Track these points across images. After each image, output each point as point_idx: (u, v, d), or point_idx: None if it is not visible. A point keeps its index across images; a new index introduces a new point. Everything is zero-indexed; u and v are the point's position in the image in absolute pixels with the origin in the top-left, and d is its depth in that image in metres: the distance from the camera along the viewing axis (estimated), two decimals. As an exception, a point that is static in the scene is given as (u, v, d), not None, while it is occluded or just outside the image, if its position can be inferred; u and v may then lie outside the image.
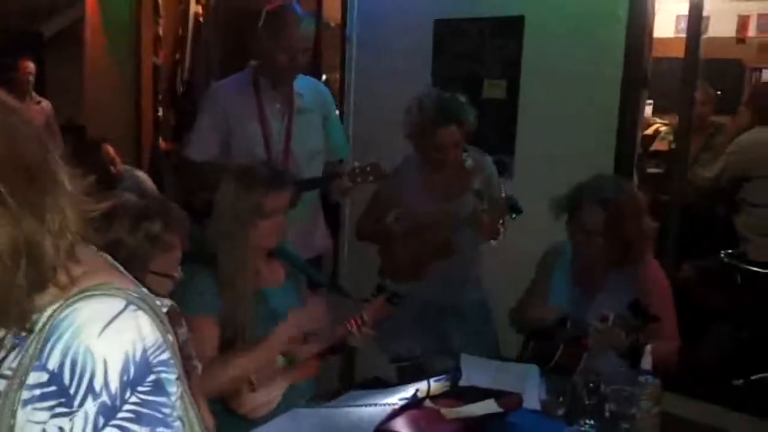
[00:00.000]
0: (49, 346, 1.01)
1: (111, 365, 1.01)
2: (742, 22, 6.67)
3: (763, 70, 6.64)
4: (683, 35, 4.01)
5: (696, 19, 3.92)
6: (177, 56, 7.10)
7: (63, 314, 1.02)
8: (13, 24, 6.76)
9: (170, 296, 2.25)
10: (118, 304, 1.04)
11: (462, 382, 2.59)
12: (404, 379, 2.73)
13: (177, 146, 6.29)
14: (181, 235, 2.16)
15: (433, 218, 3.30)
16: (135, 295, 1.07)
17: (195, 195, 3.12)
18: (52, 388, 1.00)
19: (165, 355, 1.07)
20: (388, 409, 2.22)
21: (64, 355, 1.00)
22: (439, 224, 3.28)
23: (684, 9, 4.08)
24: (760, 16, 6.64)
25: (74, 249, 1.06)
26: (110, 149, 5.52)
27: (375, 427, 2.15)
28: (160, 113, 7.11)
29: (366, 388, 2.61)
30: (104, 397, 1.00)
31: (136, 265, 2.02)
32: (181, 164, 3.54)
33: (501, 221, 3.11)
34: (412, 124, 3.33)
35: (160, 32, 6.93)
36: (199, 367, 2.35)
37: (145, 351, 1.04)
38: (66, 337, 1.01)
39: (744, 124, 4.75)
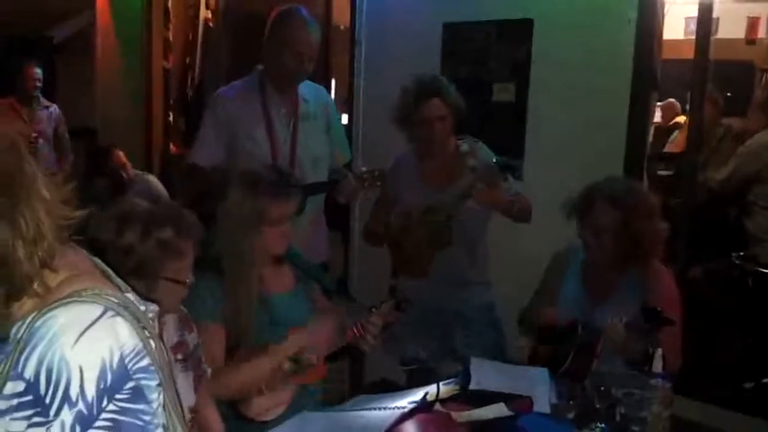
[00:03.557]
0: (25, 355, 1.00)
1: (87, 373, 0.99)
2: (752, 24, 6.65)
3: (774, 71, 6.62)
4: (693, 37, 4.00)
5: (705, 21, 3.91)
6: (187, 61, 7.13)
7: (39, 322, 1.01)
8: (23, 29, 6.79)
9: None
10: (95, 310, 1.02)
11: (472, 386, 2.58)
12: (413, 383, 2.73)
13: (186, 150, 6.31)
14: (193, 242, 2.15)
15: (431, 208, 3.31)
16: (114, 300, 1.05)
17: (202, 200, 3.13)
18: (29, 397, 1.00)
19: (145, 362, 1.05)
20: (398, 413, 2.21)
21: (40, 364, 0.99)
22: (437, 212, 3.28)
23: (693, 11, 4.08)
24: (770, 17, 6.63)
25: (52, 257, 1.05)
26: (121, 154, 5.57)
27: (384, 431, 2.15)
28: (171, 118, 7.13)
29: (374, 390, 2.60)
30: (80, 406, 0.99)
31: (147, 271, 2.03)
32: (188, 169, 3.54)
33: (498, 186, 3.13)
34: (398, 109, 3.39)
35: (170, 37, 6.96)
36: (209, 371, 2.36)
37: (122, 358, 1.02)
38: (42, 345, 1.00)
39: (756, 125, 4.72)
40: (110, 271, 1.17)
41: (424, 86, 3.32)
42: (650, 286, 2.83)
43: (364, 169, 3.39)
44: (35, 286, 1.03)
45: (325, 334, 2.57)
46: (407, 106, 3.33)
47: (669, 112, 7.02)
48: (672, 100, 6.88)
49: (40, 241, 1.03)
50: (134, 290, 1.15)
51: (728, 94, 5.53)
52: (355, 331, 2.65)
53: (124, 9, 6.97)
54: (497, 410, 2.29)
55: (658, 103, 6.15)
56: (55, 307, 1.01)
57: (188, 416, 2.21)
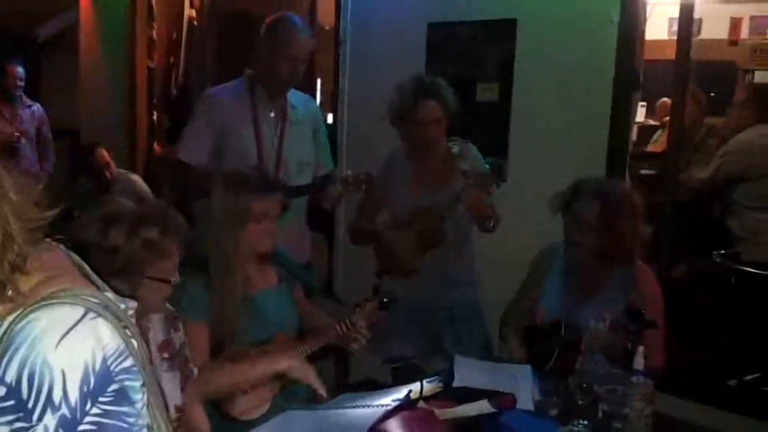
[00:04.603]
0: (6, 359, 0.98)
1: (70, 376, 0.98)
2: (735, 24, 6.70)
3: (756, 72, 6.67)
4: (676, 37, 4.02)
5: (687, 21, 3.93)
6: (171, 60, 7.10)
7: (19, 325, 0.99)
8: (7, 28, 6.75)
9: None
10: (75, 312, 1.01)
11: (455, 383, 2.59)
12: (399, 381, 2.74)
13: (171, 149, 6.28)
14: (178, 241, 2.15)
15: (423, 208, 3.33)
16: (95, 301, 1.03)
17: (186, 197, 3.12)
18: (11, 402, 0.98)
19: (127, 363, 1.04)
20: (382, 411, 2.22)
21: (21, 368, 0.98)
22: (430, 212, 3.29)
23: (677, 11, 4.09)
24: (752, 18, 6.68)
25: (24, 260, 1.03)
26: (105, 153, 5.55)
27: (368, 429, 2.15)
28: (155, 117, 7.10)
29: (360, 389, 2.61)
30: (64, 410, 0.97)
31: (133, 271, 2.02)
32: (173, 164, 3.54)
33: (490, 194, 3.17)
34: (394, 107, 3.40)
35: (155, 36, 6.92)
36: (195, 371, 2.36)
37: (105, 360, 1.01)
38: (23, 349, 0.98)
39: (740, 124, 4.74)
40: (88, 269, 1.15)
41: (423, 87, 3.34)
42: (633, 285, 2.85)
43: (348, 172, 3.42)
44: (7, 291, 1.02)
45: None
46: (405, 105, 3.35)
47: (663, 112, 7.08)
48: (666, 99, 6.93)
49: (10, 245, 1.01)
50: (117, 290, 1.14)
51: (711, 94, 5.57)
52: (338, 330, 2.66)
53: (107, 7, 6.93)
54: (480, 407, 2.30)
55: (642, 103, 6.19)
56: (36, 310, 1.00)
57: (175, 416, 2.21)
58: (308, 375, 2.36)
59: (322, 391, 2.34)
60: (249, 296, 2.60)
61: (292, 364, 2.39)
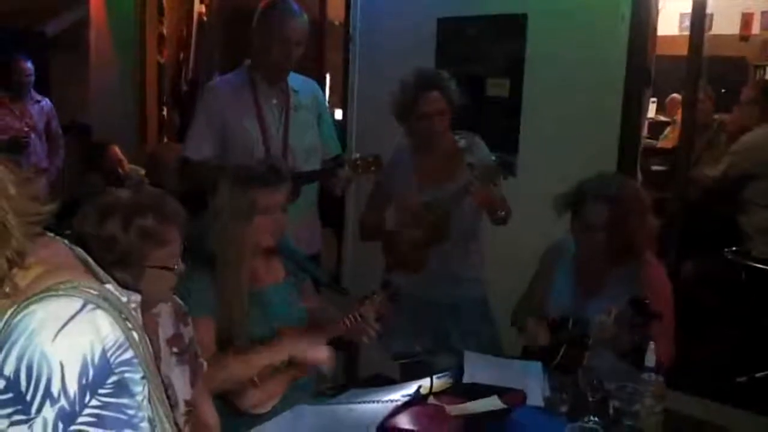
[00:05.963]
0: (4, 352, 0.98)
1: (68, 369, 0.98)
2: (746, 20, 6.68)
3: (767, 67, 6.65)
4: (688, 33, 4.00)
5: (699, 17, 3.91)
6: (181, 55, 7.12)
7: (17, 318, 0.99)
8: (16, 24, 6.75)
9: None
10: (74, 304, 1.00)
11: (465, 379, 2.59)
12: (408, 376, 2.74)
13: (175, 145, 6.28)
14: (178, 228, 2.13)
15: (428, 204, 3.32)
16: (94, 292, 1.03)
17: (195, 194, 3.12)
18: (9, 395, 0.98)
19: (127, 355, 1.03)
20: (391, 406, 2.22)
21: (19, 361, 0.98)
22: (435, 208, 3.28)
23: (688, 6, 4.07)
24: (763, 13, 6.66)
25: (22, 256, 1.03)
26: (117, 150, 5.57)
27: (378, 424, 2.16)
28: (165, 112, 7.12)
29: (369, 384, 2.61)
30: (63, 402, 0.97)
31: (132, 260, 2.01)
32: (180, 162, 3.55)
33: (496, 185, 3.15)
34: (397, 102, 3.37)
35: (164, 32, 6.95)
36: (205, 365, 2.36)
37: (104, 352, 1.01)
38: (21, 341, 0.98)
39: (747, 122, 4.72)
40: (91, 261, 1.15)
41: (425, 80, 3.32)
42: (641, 280, 2.84)
43: (357, 155, 3.40)
44: (5, 287, 1.02)
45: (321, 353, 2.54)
46: (407, 99, 3.33)
47: (673, 107, 7.08)
48: (675, 95, 6.93)
49: (7, 240, 1.01)
50: (119, 280, 1.13)
51: (722, 90, 5.55)
52: (348, 322, 2.65)
53: (117, 4, 6.95)
54: (490, 403, 2.30)
55: (652, 99, 6.17)
56: (34, 302, 1.00)
57: (184, 409, 2.21)
58: (307, 352, 2.37)
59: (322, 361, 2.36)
60: (256, 291, 2.60)
61: (296, 348, 2.41)
